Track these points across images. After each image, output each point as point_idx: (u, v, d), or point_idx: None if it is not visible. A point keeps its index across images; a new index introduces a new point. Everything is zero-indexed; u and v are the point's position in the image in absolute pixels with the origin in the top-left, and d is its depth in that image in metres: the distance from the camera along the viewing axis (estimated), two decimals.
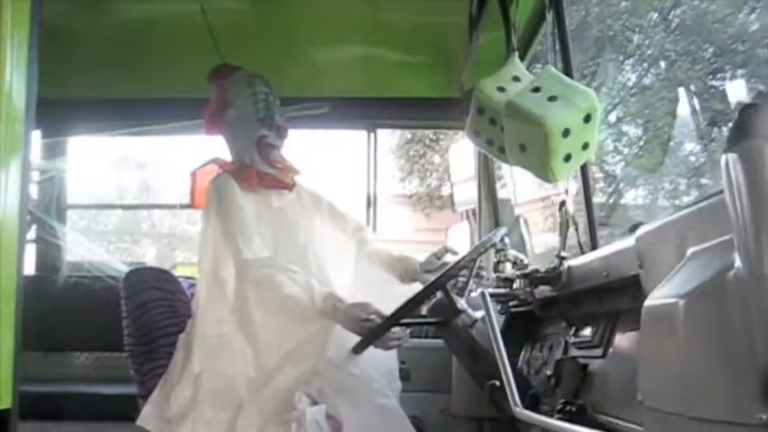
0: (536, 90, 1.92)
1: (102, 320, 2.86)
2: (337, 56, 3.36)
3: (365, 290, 2.46)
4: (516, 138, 1.96)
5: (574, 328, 2.01)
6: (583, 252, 2.10)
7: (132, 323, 2.54)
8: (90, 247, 4.22)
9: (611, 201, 10.03)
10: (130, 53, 3.24)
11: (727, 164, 0.90)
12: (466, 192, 3.54)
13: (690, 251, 1.12)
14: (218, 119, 2.60)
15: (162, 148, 13.70)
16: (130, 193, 14.18)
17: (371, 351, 2.16)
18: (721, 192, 1.15)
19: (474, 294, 2.29)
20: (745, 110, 0.90)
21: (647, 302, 1.11)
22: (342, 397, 2.13)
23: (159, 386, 2.36)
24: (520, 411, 1.69)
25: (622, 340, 1.74)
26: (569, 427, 1.56)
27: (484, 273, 2.44)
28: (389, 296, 2.35)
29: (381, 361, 2.31)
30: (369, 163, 3.69)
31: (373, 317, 2.15)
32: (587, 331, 1.92)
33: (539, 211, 8.19)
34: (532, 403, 1.92)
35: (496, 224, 3.29)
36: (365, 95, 3.57)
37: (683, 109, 11.10)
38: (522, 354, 2.39)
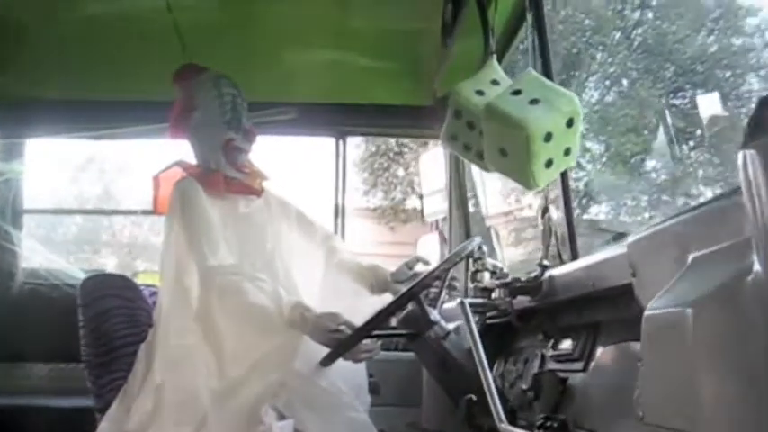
0: (516, 93, 1.86)
1: (59, 330, 2.75)
2: (306, 61, 3.28)
3: (334, 300, 2.39)
4: (496, 142, 1.90)
5: (552, 341, 1.96)
6: (563, 262, 2.04)
7: (90, 332, 2.44)
8: (48, 256, 4.11)
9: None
10: (92, 52, 3.12)
11: (744, 161, 0.83)
12: (436, 202, 3.49)
13: (691, 257, 1.06)
14: (183, 121, 2.51)
15: (125, 152, 13.48)
16: (91, 199, 14.01)
17: (341, 363, 2.09)
18: (720, 196, 1.09)
19: (447, 306, 2.23)
20: (764, 104, 0.84)
21: (648, 312, 1.04)
22: (310, 411, 2.06)
23: (118, 399, 2.27)
24: (505, 427, 1.61)
25: (605, 353, 1.69)
26: None
27: (457, 283, 2.38)
28: (359, 307, 2.30)
29: (351, 374, 2.24)
30: (337, 171, 3.61)
31: (343, 328, 2.07)
32: (567, 344, 1.87)
33: (502, 226, 8.20)
34: (510, 418, 1.85)
35: (467, 235, 3.24)
36: (334, 102, 3.50)
37: (646, 126, 11.25)
38: (496, 367, 2.34)
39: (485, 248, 2.14)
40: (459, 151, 2.27)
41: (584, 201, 10.70)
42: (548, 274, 1.89)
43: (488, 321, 2.25)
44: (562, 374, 1.83)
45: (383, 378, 2.66)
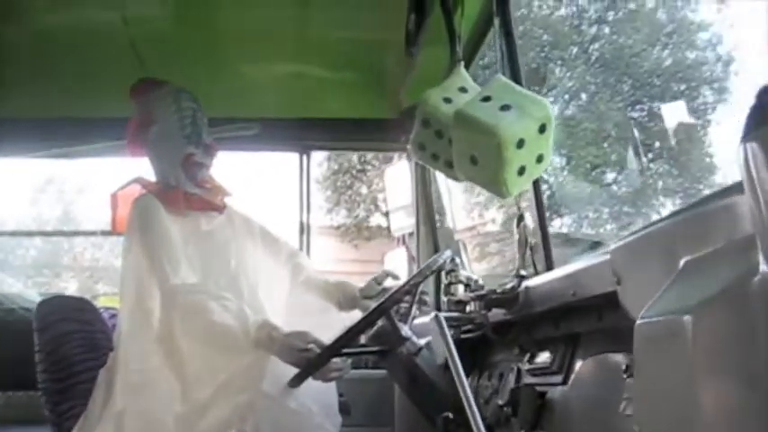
0: (486, 99, 1.80)
1: (14, 356, 2.65)
2: (268, 74, 3.21)
3: (301, 318, 2.32)
4: (466, 150, 1.84)
5: (528, 354, 1.91)
6: (537, 272, 1.99)
7: (46, 357, 2.35)
8: (6, 281, 4.00)
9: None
10: (47, 69, 3.02)
11: (745, 154, 0.78)
12: (402, 216, 3.43)
13: (683, 261, 1.01)
14: (141, 136, 2.42)
15: (85, 172, 13.30)
16: (51, 221, 13.79)
17: (310, 383, 2.02)
18: (710, 197, 1.04)
19: (417, 321, 2.17)
20: (765, 92, 0.78)
21: (641, 321, 0.98)
22: None
23: (77, 427, 2.18)
24: None
25: (585, 365, 1.64)
26: None
27: (427, 298, 2.32)
28: (327, 324, 2.24)
29: (320, 394, 2.16)
30: (301, 187, 3.52)
31: (312, 346, 2.00)
32: (544, 357, 1.82)
33: (467, 240, 8.19)
34: None
35: (436, 249, 3.18)
36: (297, 116, 3.42)
37: (605, 139, 11.37)
38: (469, 382, 2.27)
39: (457, 260, 2.08)
40: (428, 161, 2.21)
41: (547, 214, 10.76)
42: (524, 284, 1.83)
43: (462, 336, 2.19)
44: (540, 388, 1.78)
45: (354, 397, 2.59)
